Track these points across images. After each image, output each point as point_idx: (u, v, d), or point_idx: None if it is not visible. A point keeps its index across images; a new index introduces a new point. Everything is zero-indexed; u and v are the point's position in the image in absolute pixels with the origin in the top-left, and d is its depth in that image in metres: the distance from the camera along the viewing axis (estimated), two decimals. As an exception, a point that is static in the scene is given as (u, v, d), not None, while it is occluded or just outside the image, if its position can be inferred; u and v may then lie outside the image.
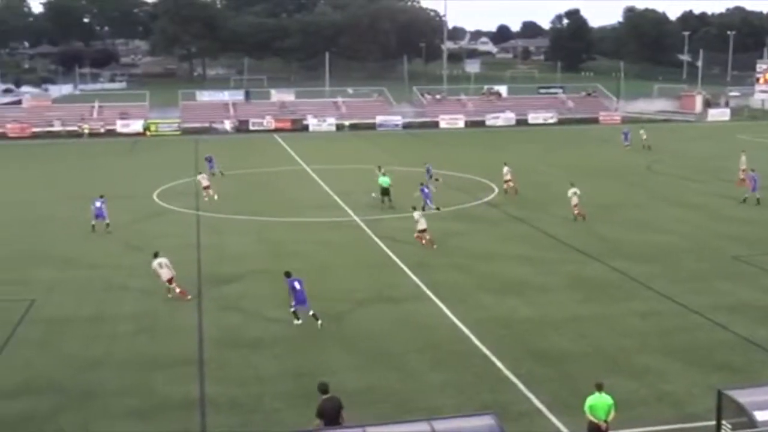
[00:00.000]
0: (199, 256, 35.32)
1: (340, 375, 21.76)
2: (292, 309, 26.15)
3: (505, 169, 49.54)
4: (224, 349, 24.15)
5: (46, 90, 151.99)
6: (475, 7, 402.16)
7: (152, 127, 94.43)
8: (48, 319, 27.31)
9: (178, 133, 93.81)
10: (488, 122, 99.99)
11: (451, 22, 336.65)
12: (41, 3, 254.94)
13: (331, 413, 16.68)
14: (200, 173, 51.80)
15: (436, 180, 51.15)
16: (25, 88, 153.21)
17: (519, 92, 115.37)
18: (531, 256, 34.36)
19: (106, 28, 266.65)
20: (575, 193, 41.56)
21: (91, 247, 36.93)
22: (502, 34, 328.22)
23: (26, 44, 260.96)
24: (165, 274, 28.86)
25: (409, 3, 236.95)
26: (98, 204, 40.33)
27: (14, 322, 26.88)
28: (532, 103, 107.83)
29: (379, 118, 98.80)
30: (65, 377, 22.30)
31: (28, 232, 40.61)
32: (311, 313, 25.90)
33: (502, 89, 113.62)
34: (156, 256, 29.45)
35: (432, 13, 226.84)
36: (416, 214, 36.54)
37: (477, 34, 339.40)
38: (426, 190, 43.85)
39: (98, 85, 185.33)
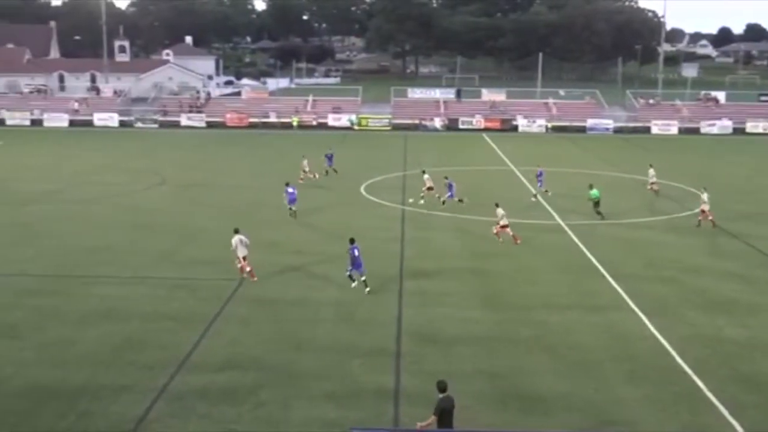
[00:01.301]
0: (403, 249, 35.94)
1: (536, 379, 21.69)
2: (348, 273, 29.62)
3: (651, 171, 50.12)
4: (421, 343, 24.48)
5: (264, 83, 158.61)
6: (696, 8, 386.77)
7: (362, 122, 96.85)
8: (254, 299, 28.63)
9: (388, 128, 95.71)
10: (703, 130, 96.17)
11: (669, 24, 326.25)
12: (264, 1, 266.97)
13: (447, 413, 16.73)
14: (304, 156, 55.98)
15: (546, 191, 49.32)
16: (244, 81, 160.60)
17: (738, 99, 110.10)
18: (742, 274, 32.76)
19: (324, 25, 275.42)
20: (706, 199, 41.01)
21: (297, 234, 38.34)
22: (723, 37, 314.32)
23: (248, 39, 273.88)
24: (242, 251, 30.43)
25: (627, 3, 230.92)
26: (290, 190, 42.73)
27: (224, 300, 28.47)
28: (752, 111, 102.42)
29: (589, 121, 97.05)
30: (267, 356, 23.34)
31: (239, 216, 42.61)
32: (363, 278, 29.34)
33: (720, 95, 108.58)
34: (237, 232, 30.98)
35: (650, 14, 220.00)
36: (499, 211, 37.45)
37: (696, 37, 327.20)
38: (452, 185, 45.24)
39: (313, 80, 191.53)
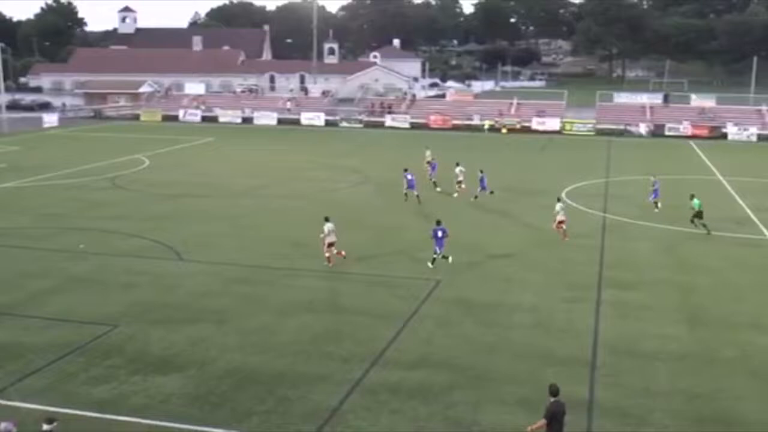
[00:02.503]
0: (602, 258, 35.13)
1: (739, 403, 20.63)
2: (434, 256, 32.20)
3: None
4: (618, 356, 23.83)
5: (469, 86, 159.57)
6: None
7: (567, 126, 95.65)
8: (451, 300, 28.76)
9: (592, 133, 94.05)
10: None
11: None
12: (472, 4, 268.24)
13: (558, 417, 16.44)
14: (427, 147, 60.43)
15: (654, 203, 45.91)
16: (449, 83, 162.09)
17: None
18: None
19: (531, 28, 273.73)
20: None
21: (495, 236, 38.20)
22: None
23: (455, 42, 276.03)
24: (330, 238, 32.35)
25: None
26: (409, 177, 46.59)
27: (421, 299, 28.81)
28: None
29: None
30: (461, 357, 23.39)
31: (438, 215, 42.98)
32: (441, 255, 32.06)
33: None
34: (327, 220, 32.89)
35: None
36: (558, 206, 38.32)
37: None
38: (483, 178, 47.54)
39: (518, 83, 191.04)
